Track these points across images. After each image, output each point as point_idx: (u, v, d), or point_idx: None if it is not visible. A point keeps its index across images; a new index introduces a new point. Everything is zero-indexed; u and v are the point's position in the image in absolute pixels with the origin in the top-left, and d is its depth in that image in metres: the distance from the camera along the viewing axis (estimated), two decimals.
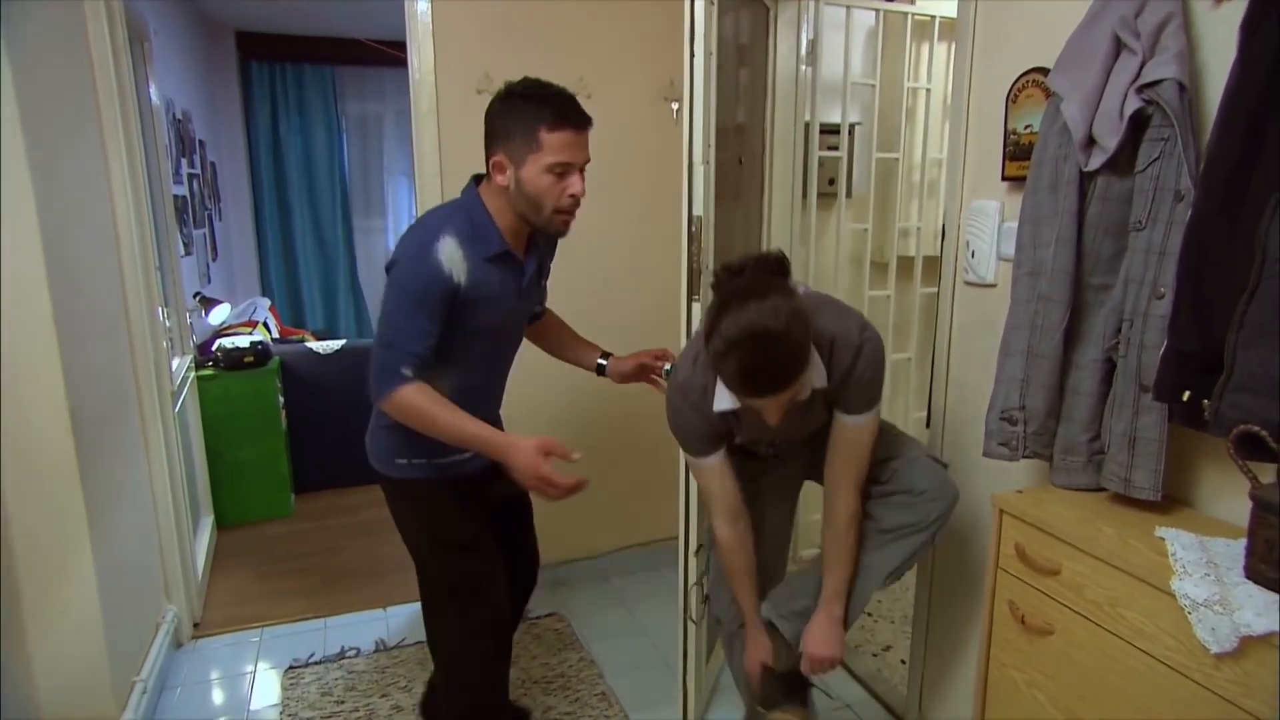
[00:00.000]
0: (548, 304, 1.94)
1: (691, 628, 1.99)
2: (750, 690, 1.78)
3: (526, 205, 1.53)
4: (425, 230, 1.52)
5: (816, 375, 1.39)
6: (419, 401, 1.47)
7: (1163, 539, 1.23)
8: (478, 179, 1.60)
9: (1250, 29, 1.13)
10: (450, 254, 1.47)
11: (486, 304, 1.55)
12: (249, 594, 2.86)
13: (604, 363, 1.90)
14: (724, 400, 1.43)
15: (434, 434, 1.51)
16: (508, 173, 1.51)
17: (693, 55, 1.73)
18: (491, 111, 1.53)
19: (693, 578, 1.97)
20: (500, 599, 1.75)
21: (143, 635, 2.25)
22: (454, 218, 1.53)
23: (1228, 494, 1.30)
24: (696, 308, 1.81)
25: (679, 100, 1.80)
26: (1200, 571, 1.14)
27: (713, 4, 1.75)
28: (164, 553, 2.47)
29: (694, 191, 1.78)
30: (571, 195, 1.53)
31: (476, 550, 1.70)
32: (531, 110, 1.48)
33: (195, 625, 2.62)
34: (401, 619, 2.69)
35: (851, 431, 1.52)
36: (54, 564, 1.82)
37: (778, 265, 1.40)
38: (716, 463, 1.57)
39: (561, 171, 1.50)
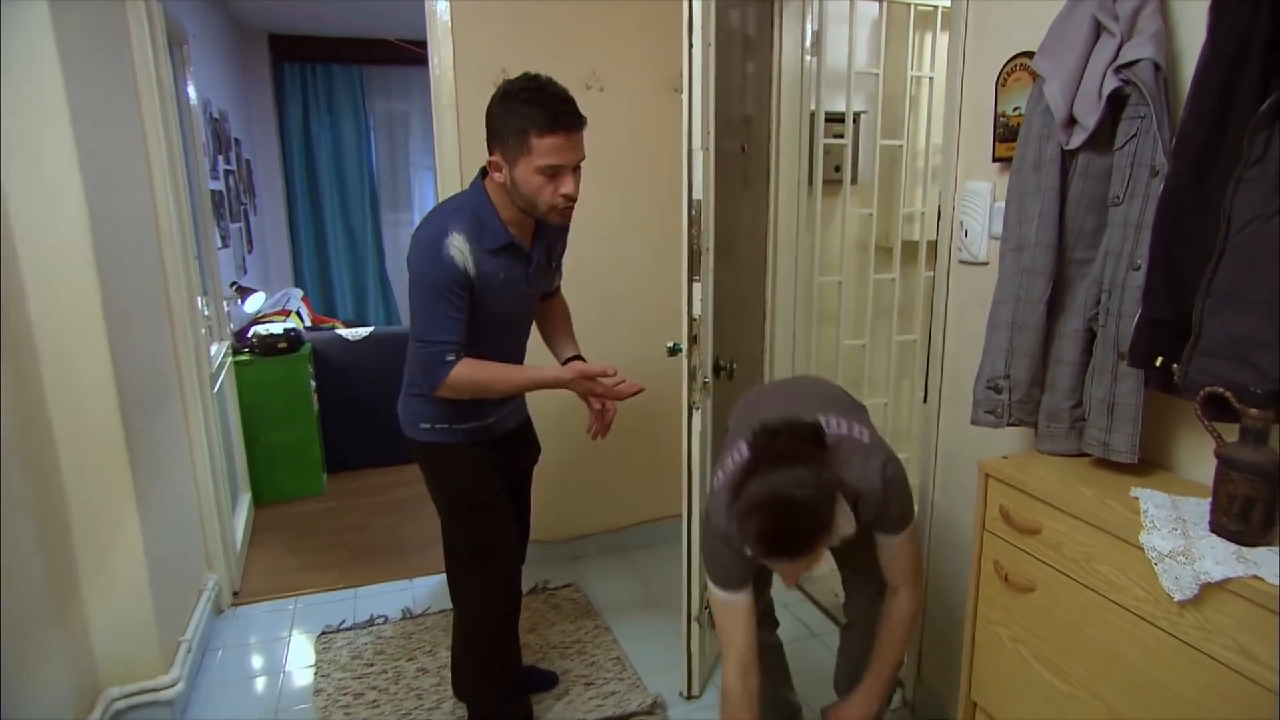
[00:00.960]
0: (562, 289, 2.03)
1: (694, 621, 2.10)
2: None
3: (523, 201, 1.62)
4: (434, 228, 1.61)
5: (845, 523, 1.40)
6: (468, 375, 1.62)
7: (1137, 498, 1.30)
8: (484, 171, 1.68)
9: (1218, 11, 1.18)
10: (459, 248, 1.58)
11: (495, 291, 1.66)
12: (284, 566, 3.02)
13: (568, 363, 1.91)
14: None
15: (494, 395, 1.73)
16: (504, 171, 1.60)
17: (691, 46, 1.80)
18: (491, 109, 1.60)
19: (695, 562, 2.06)
20: (514, 559, 1.88)
21: (187, 601, 2.39)
22: (459, 213, 1.63)
23: (1203, 457, 1.35)
24: (697, 287, 1.89)
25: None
26: (1168, 526, 1.20)
27: None
28: (205, 526, 2.62)
29: (694, 176, 1.86)
30: (564, 195, 1.59)
31: (494, 510, 1.81)
32: (525, 114, 1.54)
33: (235, 594, 2.77)
34: (426, 589, 2.82)
35: (894, 549, 1.55)
36: (105, 533, 1.96)
37: (812, 434, 1.40)
38: (742, 602, 1.52)
39: (552, 173, 1.57)
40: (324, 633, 2.54)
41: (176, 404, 2.48)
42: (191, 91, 3.01)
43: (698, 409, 1.95)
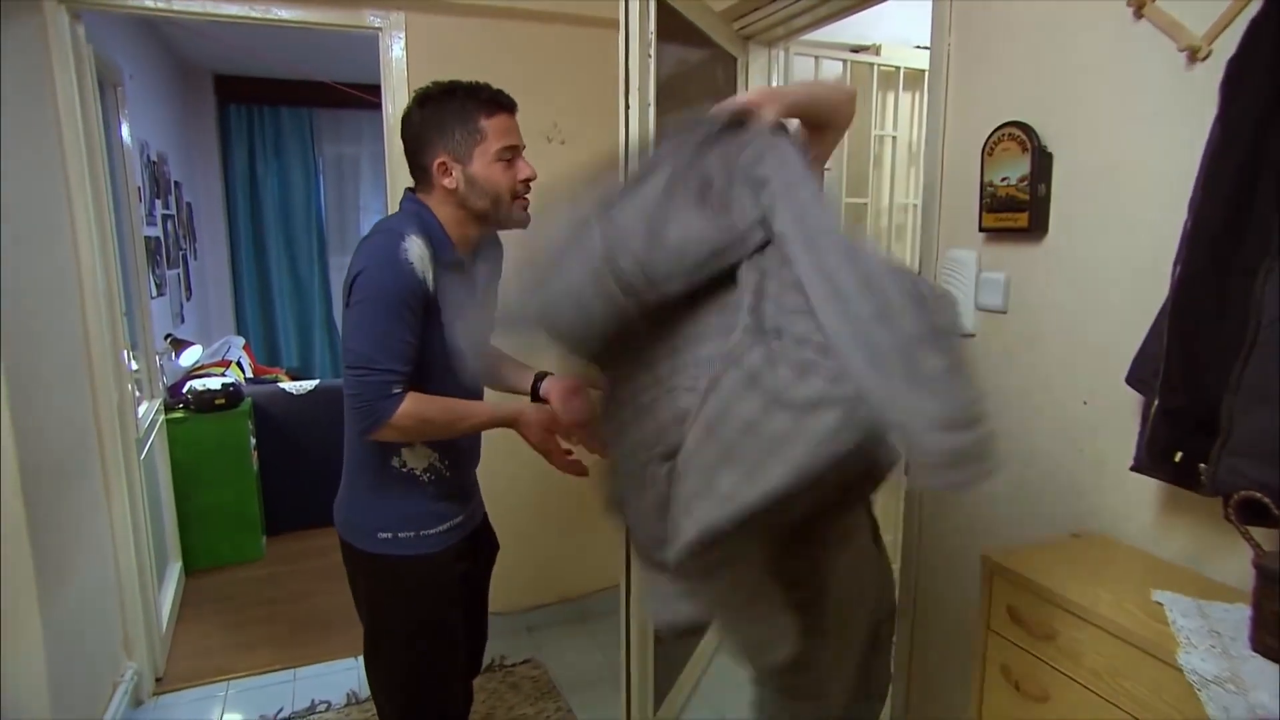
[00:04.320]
0: None
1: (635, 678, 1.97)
2: None
3: (484, 200, 1.43)
4: (386, 235, 1.37)
5: None
6: (416, 411, 1.34)
7: (1160, 604, 1.20)
8: (412, 191, 1.49)
9: (1230, 93, 1.12)
10: (419, 253, 1.35)
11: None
12: (216, 644, 2.76)
13: (540, 383, 1.58)
14: None
15: (442, 436, 1.45)
16: (455, 172, 1.41)
17: (628, 108, 1.72)
18: (414, 119, 1.45)
19: (634, 626, 1.93)
20: (459, 691, 1.63)
21: (99, 697, 2.15)
22: (409, 221, 1.41)
23: (1226, 553, 1.26)
24: None
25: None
26: (1205, 643, 1.09)
27: (649, 58, 1.74)
28: (125, 607, 2.37)
29: None
30: (524, 179, 1.46)
31: (453, 638, 1.55)
32: (462, 103, 1.42)
33: (158, 680, 2.51)
34: None
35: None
36: None
37: None
38: None
39: (510, 157, 1.44)
40: None
41: (96, 472, 2.26)
42: (126, 133, 2.81)
43: None
